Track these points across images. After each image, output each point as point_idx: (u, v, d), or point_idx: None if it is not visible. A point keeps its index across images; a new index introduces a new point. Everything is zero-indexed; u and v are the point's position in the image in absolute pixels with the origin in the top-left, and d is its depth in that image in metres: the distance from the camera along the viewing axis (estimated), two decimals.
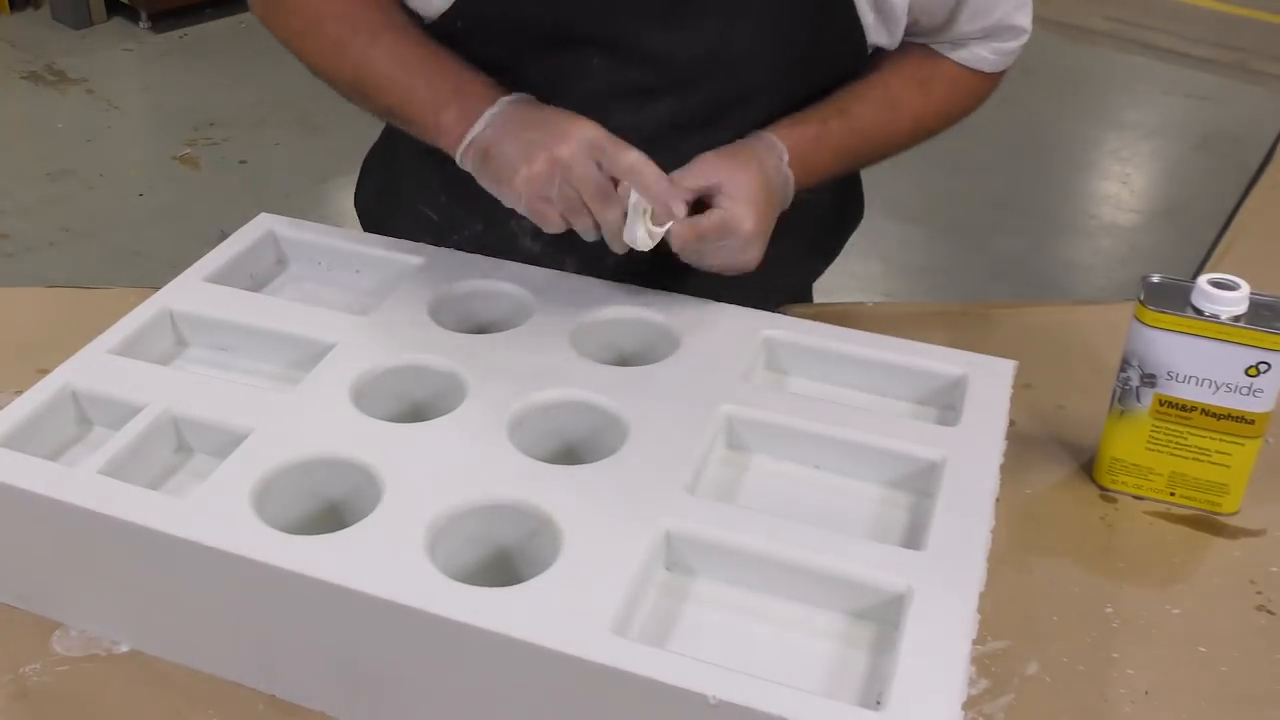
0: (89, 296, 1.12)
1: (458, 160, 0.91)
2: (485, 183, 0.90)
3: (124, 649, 0.77)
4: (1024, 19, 1.00)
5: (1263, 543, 0.87)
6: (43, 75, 3.77)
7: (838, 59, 0.99)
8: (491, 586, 0.68)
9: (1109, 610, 0.81)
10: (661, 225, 0.87)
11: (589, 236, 0.88)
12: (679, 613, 0.72)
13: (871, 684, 0.68)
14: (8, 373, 0.97)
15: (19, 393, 0.83)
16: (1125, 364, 0.88)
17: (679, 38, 0.92)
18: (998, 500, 0.76)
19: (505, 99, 0.90)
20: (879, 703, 0.63)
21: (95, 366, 0.85)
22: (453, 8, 0.94)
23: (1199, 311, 0.84)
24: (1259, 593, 0.83)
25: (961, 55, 1.01)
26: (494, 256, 0.99)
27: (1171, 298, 0.85)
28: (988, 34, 1.00)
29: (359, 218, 1.20)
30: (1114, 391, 0.89)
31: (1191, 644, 0.79)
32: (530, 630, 0.64)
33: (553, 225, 0.87)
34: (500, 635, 0.64)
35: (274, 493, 0.75)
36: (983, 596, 0.69)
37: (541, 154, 0.85)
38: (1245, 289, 0.84)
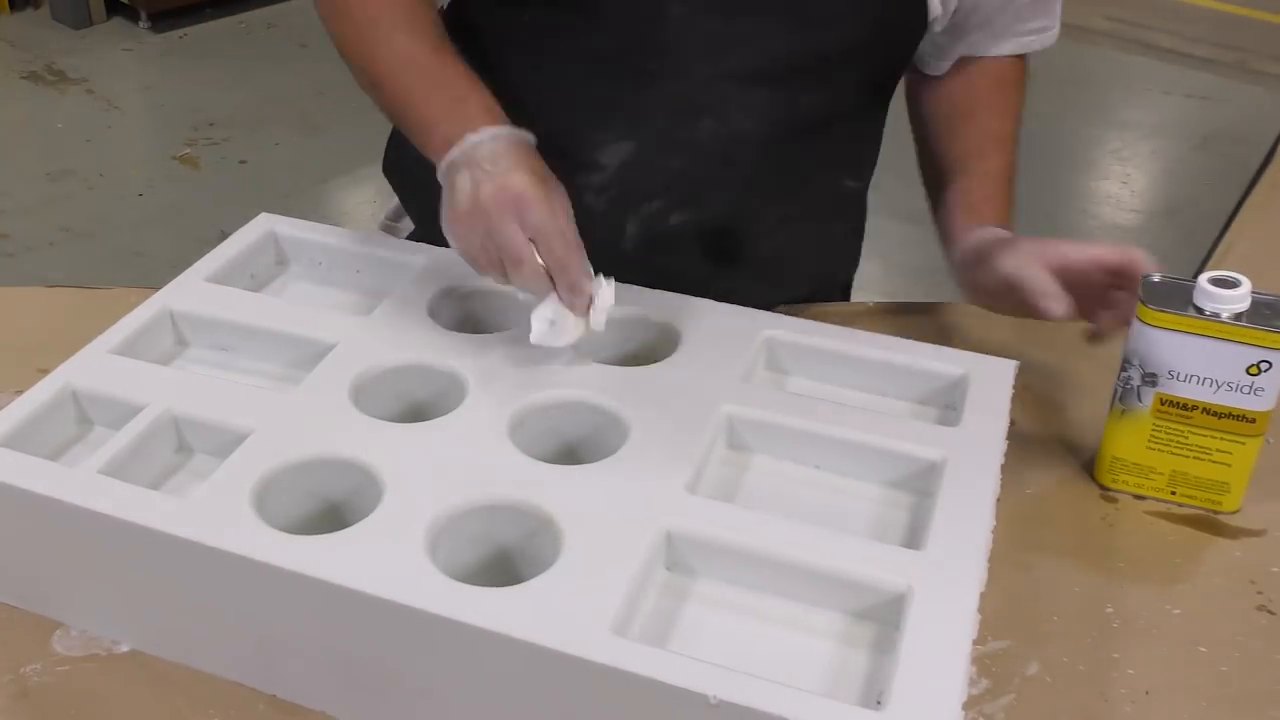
0: (89, 296, 1.12)
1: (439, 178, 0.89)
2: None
3: (124, 649, 0.77)
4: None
5: (1263, 543, 0.87)
6: (43, 75, 3.77)
7: (901, 31, 1.01)
8: (492, 586, 0.68)
9: (1110, 610, 0.81)
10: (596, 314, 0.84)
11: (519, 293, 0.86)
12: (679, 613, 0.72)
13: (872, 684, 0.68)
14: (8, 372, 0.97)
15: (19, 392, 0.83)
16: (1126, 363, 0.88)
17: None
18: (998, 500, 0.76)
19: (493, 130, 0.86)
20: (879, 703, 0.63)
21: (96, 366, 0.85)
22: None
23: (1200, 310, 0.84)
24: (1260, 593, 0.83)
25: (1004, 47, 1.06)
26: None
27: (1172, 297, 0.85)
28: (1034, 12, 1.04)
29: (391, 185, 1.19)
30: (1115, 391, 0.89)
31: (1192, 644, 0.79)
32: (531, 630, 0.64)
33: (482, 271, 0.86)
34: (501, 635, 0.64)
35: (274, 493, 0.75)
36: (983, 596, 0.69)
37: (469, 201, 0.83)
38: (1246, 286, 0.84)
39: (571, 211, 0.85)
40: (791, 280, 1.09)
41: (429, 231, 1.03)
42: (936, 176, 1.08)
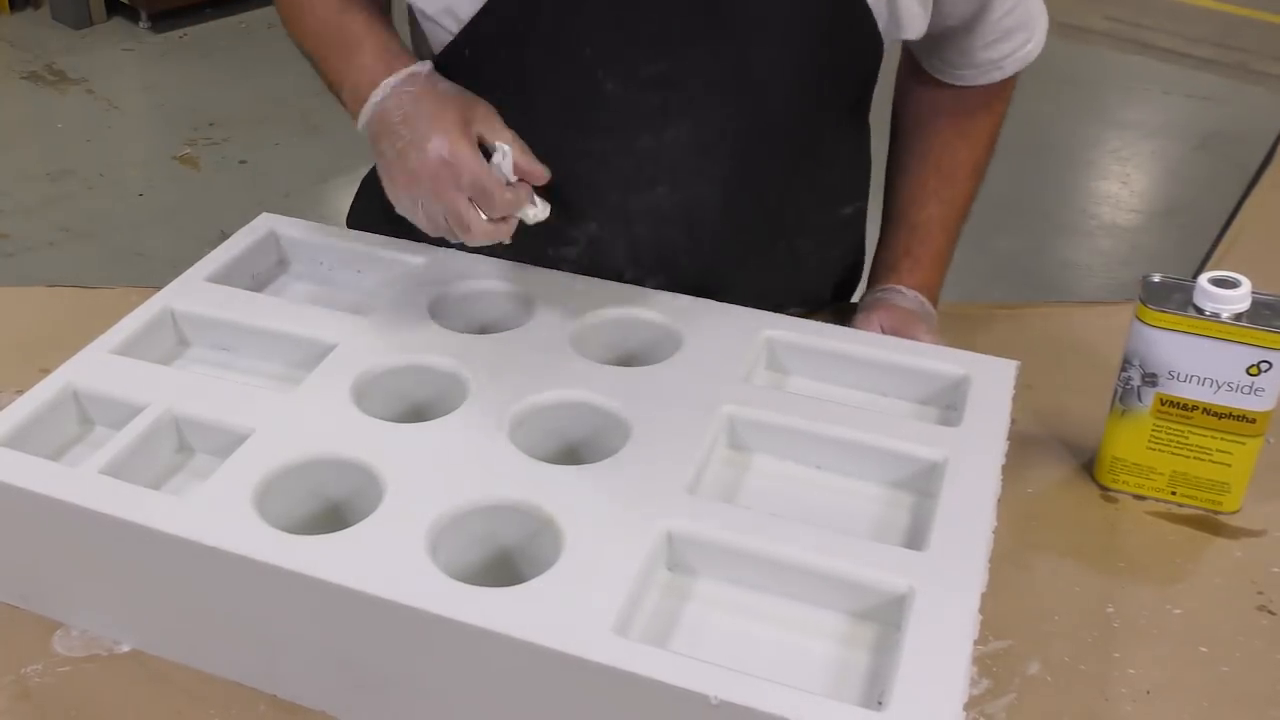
0: (90, 296, 1.12)
1: (360, 128, 0.90)
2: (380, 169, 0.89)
3: (125, 649, 0.77)
4: (1043, 18, 1.03)
5: (1264, 543, 0.87)
6: (43, 75, 3.77)
7: (856, 66, 0.98)
8: (493, 587, 0.68)
9: (1110, 610, 0.81)
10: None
11: (473, 238, 0.86)
12: (681, 613, 0.72)
13: (873, 684, 0.68)
14: (9, 372, 0.97)
15: (20, 392, 0.83)
16: (1126, 363, 0.88)
17: (693, 60, 0.91)
18: (999, 500, 0.76)
19: (390, 82, 0.88)
20: (881, 703, 0.63)
21: (97, 366, 0.85)
22: (461, 35, 0.93)
23: (1200, 311, 0.84)
24: (1260, 593, 0.83)
25: (976, 74, 1.03)
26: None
27: (1172, 297, 0.85)
28: (1015, 27, 1.01)
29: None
30: (1115, 391, 0.89)
31: (1193, 644, 0.79)
32: (532, 630, 0.64)
33: (435, 234, 0.88)
34: (502, 635, 0.64)
35: (275, 493, 0.75)
36: (984, 596, 0.69)
37: (401, 171, 0.85)
38: (1246, 286, 0.84)
39: (498, 120, 0.87)
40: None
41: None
42: (884, 205, 1.10)
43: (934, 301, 1.05)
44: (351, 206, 1.17)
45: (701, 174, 0.95)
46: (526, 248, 0.92)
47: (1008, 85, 1.06)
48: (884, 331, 0.97)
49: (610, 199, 0.97)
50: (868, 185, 1.11)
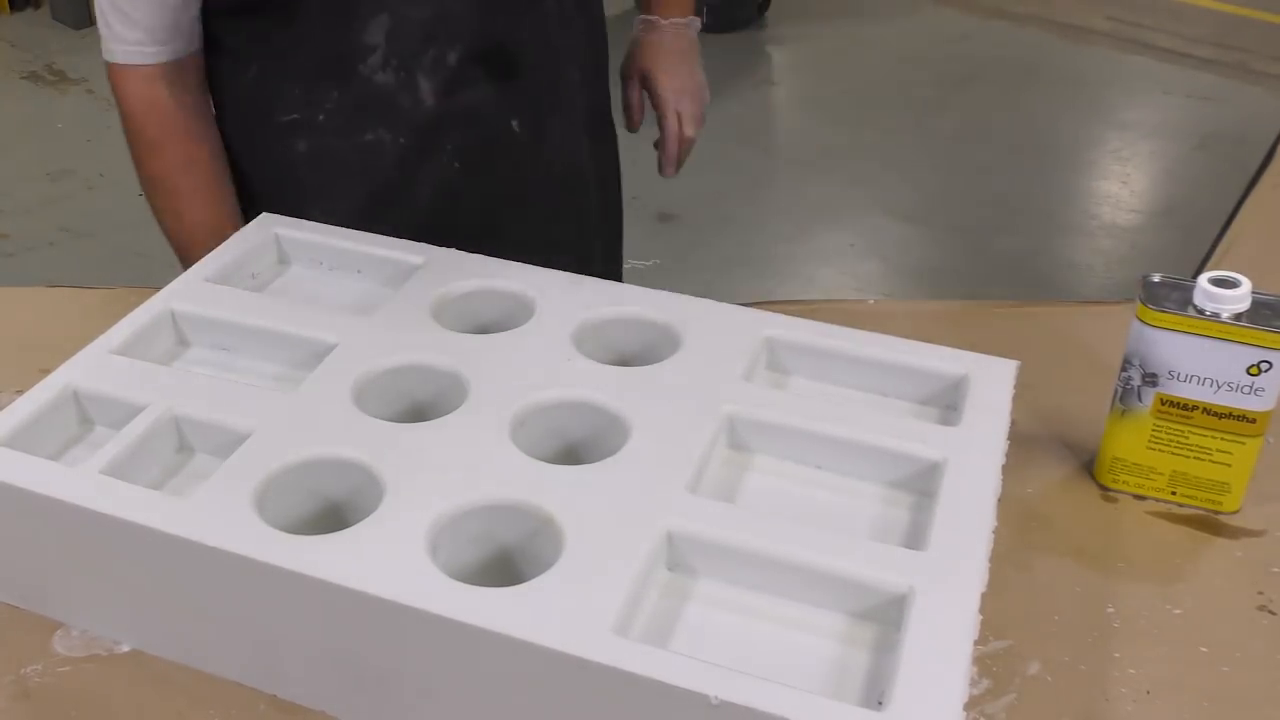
0: (90, 296, 1.12)
1: None
2: None
3: (125, 649, 0.77)
4: None
5: (1264, 543, 0.87)
6: (43, 75, 3.77)
7: None
8: (493, 586, 0.68)
9: (1110, 610, 0.81)
10: None
11: None
12: (680, 613, 0.72)
13: (873, 684, 0.68)
14: (9, 372, 0.97)
15: (20, 392, 0.83)
16: (1126, 363, 0.88)
17: None
18: (999, 500, 0.77)
19: None
20: (881, 703, 0.63)
21: (97, 366, 0.85)
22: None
23: (1200, 311, 0.84)
24: (1260, 593, 0.83)
25: None
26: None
27: (1172, 297, 0.85)
28: None
29: None
30: (1115, 391, 0.89)
31: (1193, 644, 0.79)
32: (532, 630, 0.64)
33: None
34: (502, 635, 0.64)
35: (275, 493, 0.75)
36: (984, 596, 0.69)
37: None
38: (1246, 286, 0.84)
39: None
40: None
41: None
42: None
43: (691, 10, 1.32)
44: None
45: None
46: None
47: None
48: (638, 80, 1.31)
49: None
50: None
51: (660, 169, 1.34)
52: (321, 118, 1.12)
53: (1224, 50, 4.21)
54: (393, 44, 1.09)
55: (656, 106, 1.32)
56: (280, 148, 1.15)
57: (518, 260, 0.97)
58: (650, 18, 1.32)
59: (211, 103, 1.17)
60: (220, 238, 1.00)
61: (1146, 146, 3.64)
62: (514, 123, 1.17)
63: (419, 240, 1.00)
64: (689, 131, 1.32)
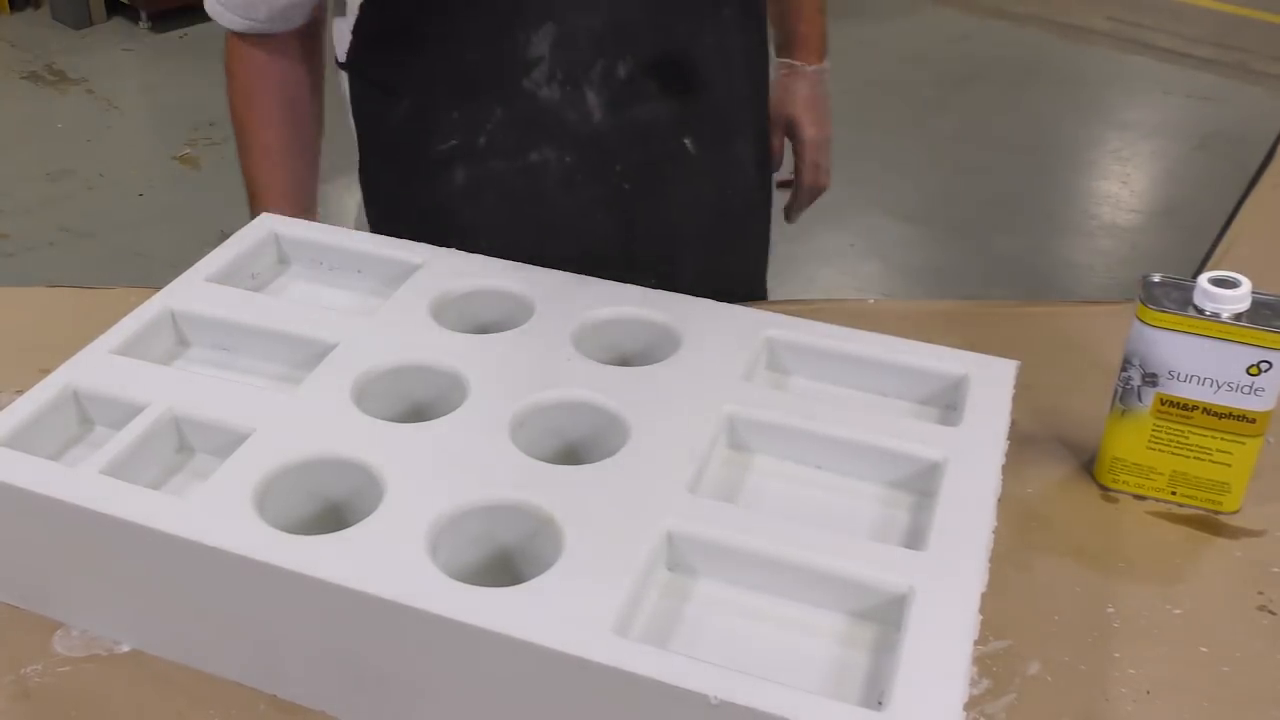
0: (90, 296, 1.12)
1: None
2: None
3: (125, 649, 0.77)
4: None
5: (1264, 543, 0.87)
6: (43, 75, 3.77)
7: None
8: (493, 586, 0.68)
9: (1110, 610, 0.81)
10: None
11: None
12: (680, 613, 0.72)
13: (873, 684, 0.68)
14: (9, 373, 0.97)
15: (20, 392, 0.83)
16: (1126, 363, 0.88)
17: None
18: (999, 500, 0.77)
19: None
20: (880, 703, 0.63)
21: (97, 366, 0.85)
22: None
23: (1200, 311, 0.84)
24: (1260, 593, 0.83)
25: None
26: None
27: (1172, 297, 0.85)
28: None
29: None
30: (1115, 391, 0.89)
31: (1193, 644, 0.79)
32: (532, 630, 0.64)
33: None
34: (502, 635, 0.64)
35: (275, 493, 0.75)
36: (984, 596, 0.69)
37: None
38: (1246, 286, 0.84)
39: None
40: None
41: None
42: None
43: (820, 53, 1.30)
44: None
45: None
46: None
47: None
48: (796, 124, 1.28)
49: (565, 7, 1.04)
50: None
51: (787, 214, 1.32)
52: (483, 140, 1.07)
53: (1224, 50, 4.21)
54: (558, 55, 1.03)
55: (797, 153, 1.29)
56: (434, 186, 1.10)
57: (692, 295, 0.94)
58: (794, 63, 1.28)
59: (323, 76, 1.18)
60: (270, 198, 1.12)
61: (1146, 146, 3.64)
62: (687, 141, 1.10)
63: (592, 275, 0.96)
64: (825, 182, 1.30)
